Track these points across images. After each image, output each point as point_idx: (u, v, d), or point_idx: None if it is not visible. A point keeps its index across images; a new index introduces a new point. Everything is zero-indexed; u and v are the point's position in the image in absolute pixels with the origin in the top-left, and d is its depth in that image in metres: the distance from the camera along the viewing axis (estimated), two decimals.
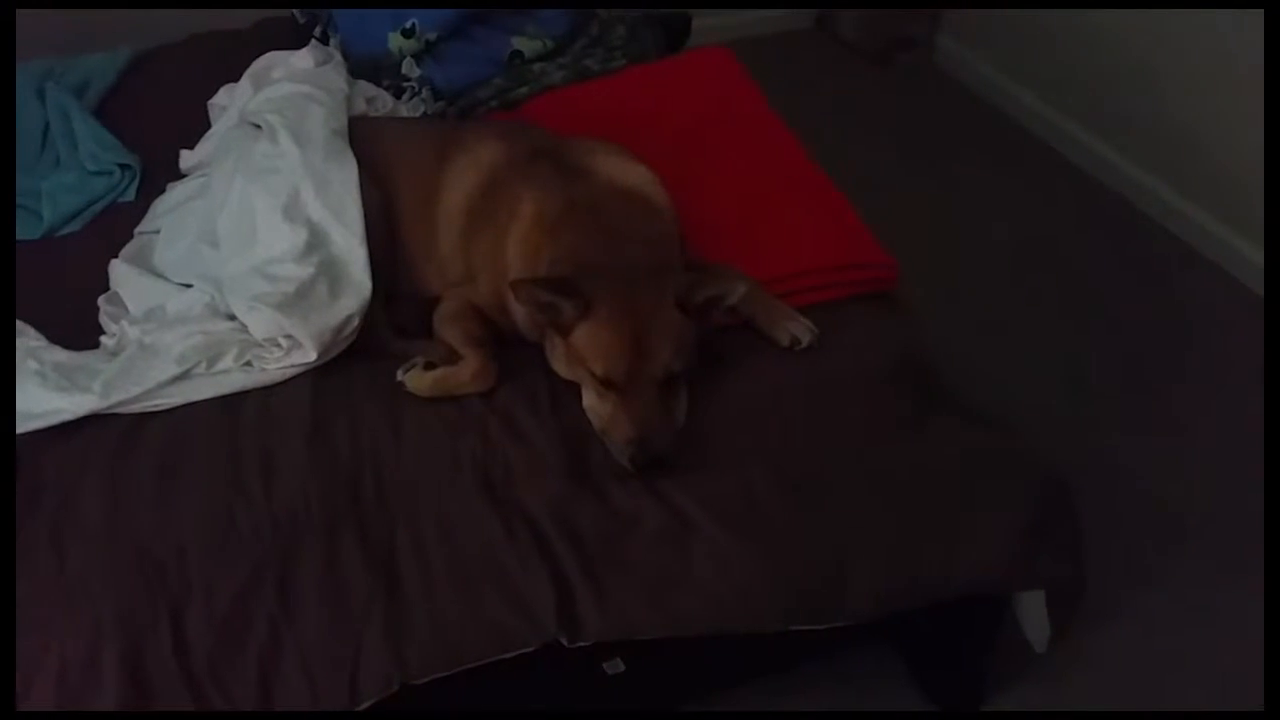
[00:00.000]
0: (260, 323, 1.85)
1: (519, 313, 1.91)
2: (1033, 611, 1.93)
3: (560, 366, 1.82)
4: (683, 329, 1.73)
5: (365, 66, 2.52)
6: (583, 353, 1.72)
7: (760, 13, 4.40)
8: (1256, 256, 3.03)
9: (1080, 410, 2.73)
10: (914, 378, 1.93)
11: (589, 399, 1.77)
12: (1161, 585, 2.32)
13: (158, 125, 2.52)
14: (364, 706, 1.56)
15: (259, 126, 2.14)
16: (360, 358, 1.91)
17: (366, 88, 2.42)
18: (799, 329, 1.90)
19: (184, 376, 1.83)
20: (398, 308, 2.03)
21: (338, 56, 2.42)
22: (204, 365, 1.84)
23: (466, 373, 1.84)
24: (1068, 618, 1.93)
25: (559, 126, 2.25)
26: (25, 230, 2.27)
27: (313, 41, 2.41)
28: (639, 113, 2.38)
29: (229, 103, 2.39)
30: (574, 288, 1.67)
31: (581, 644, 1.61)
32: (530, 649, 1.60)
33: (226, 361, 1.85)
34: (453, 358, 1.88)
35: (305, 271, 1.90)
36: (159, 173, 2.40)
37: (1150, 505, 2.48)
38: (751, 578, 1.67)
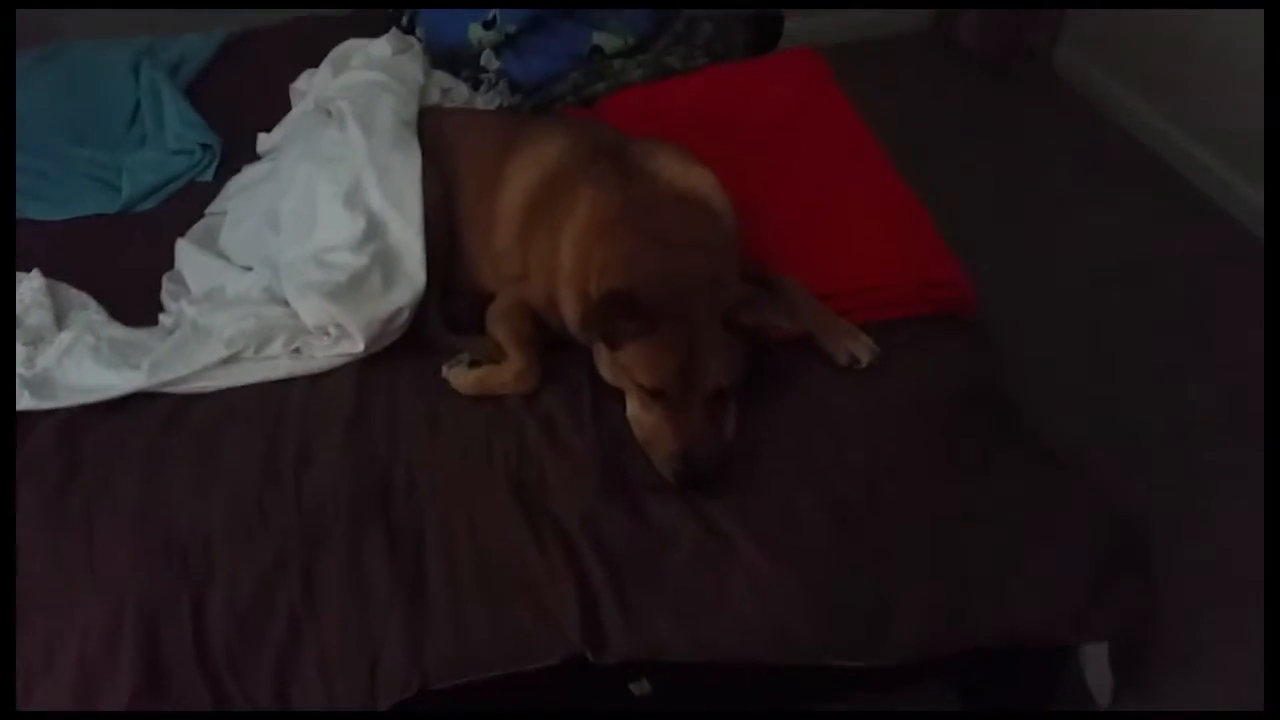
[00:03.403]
0: (310, 310, 1.84)
1: (569, 313, 1.85)
2: (1095, 661, 1.81)
3: (606, 372, 1.77)
4: (734, 345, 1.67)
5: (445, 57, 2.51)
6: (631, 365, 1.66)
7: (873, 13, 4.25)
8: None
9: (1178, 446, 2.55)
10: (982, 409, 1.80)
11: (633, 408, 1.71)
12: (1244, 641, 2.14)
13: (243, 107, 2.53)
14: (382, 709, 1.53)
15: (330, 113, 2.13)
16: (408, 350, 1.89)
17: (443, 78, 2.41)
18: (859, 347, 1.81)
19: (232, 360, 1.83)
20: (454, 302, 2.01)
21: (417, 46, 2.41)
22: (252, 349, 1.84)
23: (509, 373, 1.80)
24: (1135, 670, 1.79)
25: (632, 125, 2.19)
26: (102, 204, 2.32)
27: (394, 30, 2.39)
28: (714, 113, 2.31)
29: (308, 88, 2.39)
30: (636, 311, 1.60)
31: (607, 661, 1.55)
32: (553, 662, 1.55)
33: (275, 347, 1.85)
34: (500, 356, 1.84)
35: (359, 261, 1.88)
36: (238, 154, 2.42)
37: (1243, 551, 2.30)
38: (789, 607, 1.59)
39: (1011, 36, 4.04)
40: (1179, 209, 3.38)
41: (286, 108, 2.43)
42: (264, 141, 2.35)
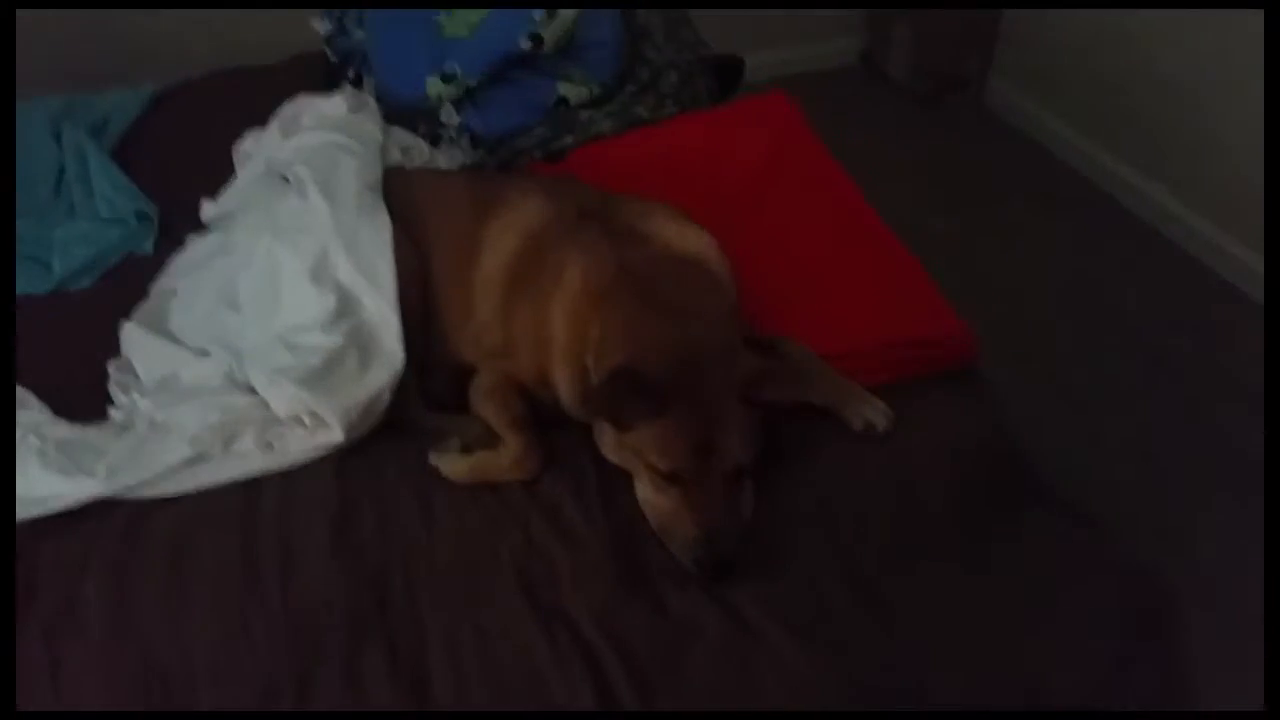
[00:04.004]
0: (282, 399, 1.70)
1: (564, 390, 1.74)
2: None
3: (611, 453, 1.66)
4: (752, 421, 1.58)
5: (401, 112, 2.37)
6: (643, 448, 1.56)
7: (805, 50, 4.24)
8: None
9: (1153, 485, 2.53)
10: (1001, 467, 1.76)
11: (645, 491, 1.60)
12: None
13: (179, 170, 2.37)
14: None
15: (287, 179, 1.98)
16: (390, 436, 1.76)
17: (402, 135, 2.27)
18: (874, 413, 1.73)
19: (198, 459, 1.68)
20: (431, 378, 1.88)
21: (372, 103, 2.27)
22: (219, 447, 1.69)
23: (507, 459, 1.68)
24: None
25: (606, 178, 2.10)
26: (33, 283, 2.11)
27: (346, 86, 2.25)
28: (691, 165, 2.22)
29: (255, 149, 2.23)
30: (646, 391, 1.51)
31: None
32: None
33: (245, 442, 1.70)
34: (491, 438, 1.72)
35: (333, 341, 1.75)
36: (179, 223, 2.24)
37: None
38: (822, 699, 1.49)
39: (941, 68, 4.04)
40: (1111, 233, 3.40)
41: (229, 170, 2.26)
42: (209, 209, 2.18)
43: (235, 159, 2.28)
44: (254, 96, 2.42)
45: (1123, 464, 2.61)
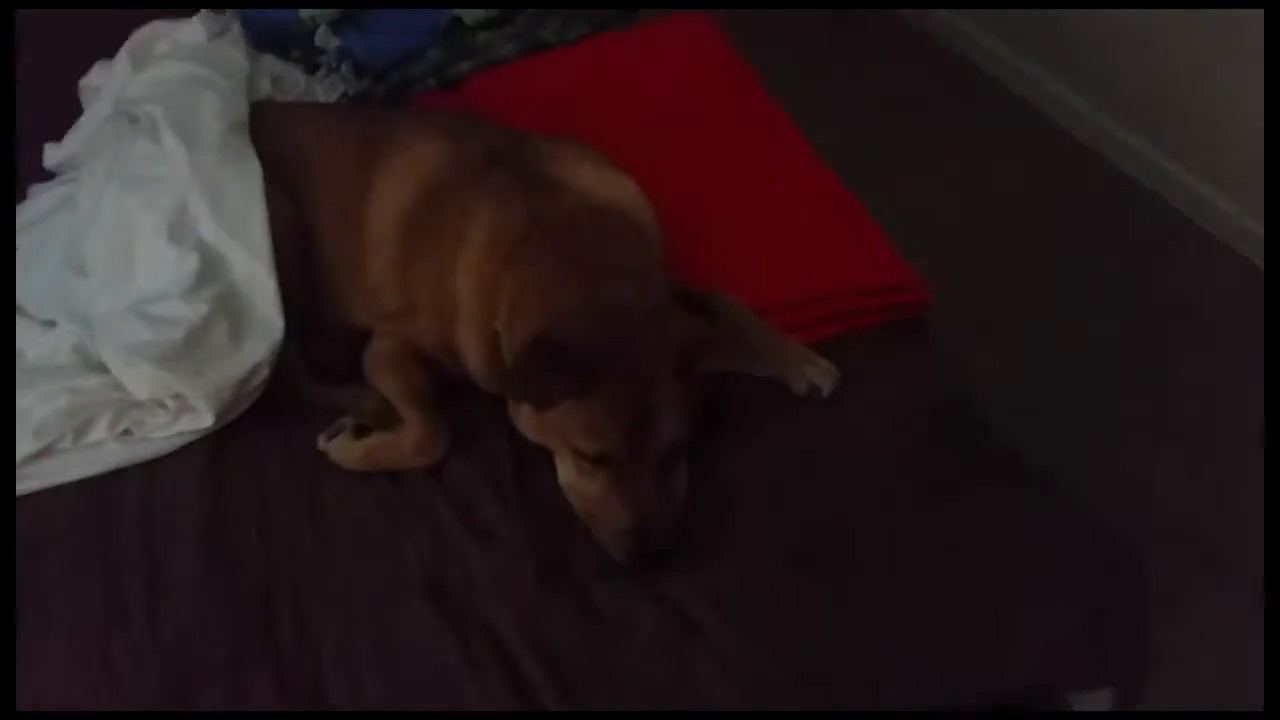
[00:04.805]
0: (139, 380, 1.47)
1: (472, 359, 1.55)
2: (1094, 703, 1.63)
3: (528, 431, 1.48)
4: (689, 396, 1.42)
5: (271, 38, 2.08)
6: (566, 429, 1.39)
7: None
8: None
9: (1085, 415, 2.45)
10: (954, 428, 1.62)
11: (567, 474, 1.43)
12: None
13: (18, 109, 2.04)
14: None
15: (137, 120, 1.71)
16: (271, 416, 1.55)
17: (272, 64, 1.99)
18: (818, 374, 1.58)
19: (45, 452, 1.46)
20: (319, 346, 1.66)
21: (236, 26, 1.98)
22: (70, 438, 1.47)
23: (409, 441, 1.49)
24: (1132, 705, 1.63)
25: (510, 110, 1.88)
26: None
27: (203, 11, 1.95)
28: (605, 95, 2.00)
29: (102, 83, 1.95)
30: (570, 365, 1.34)
31: None
32: None
33: (98, 430, 1.48)
34: (390, 416, 1.53)
35: (196, 311, 1.52)
36: (20, 173, 1.93)
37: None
38: (769, 686, 1.36)
39: None
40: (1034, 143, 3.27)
41: (77, 108, 1.97)
42: (53, 155, 1.90)
43: (81, 95, 1.98)
44: (101, 22, 2.10)
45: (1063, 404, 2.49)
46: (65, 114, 1.97)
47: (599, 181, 1.61)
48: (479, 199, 1.57)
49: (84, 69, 2.01)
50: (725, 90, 2.03)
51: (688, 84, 2.03)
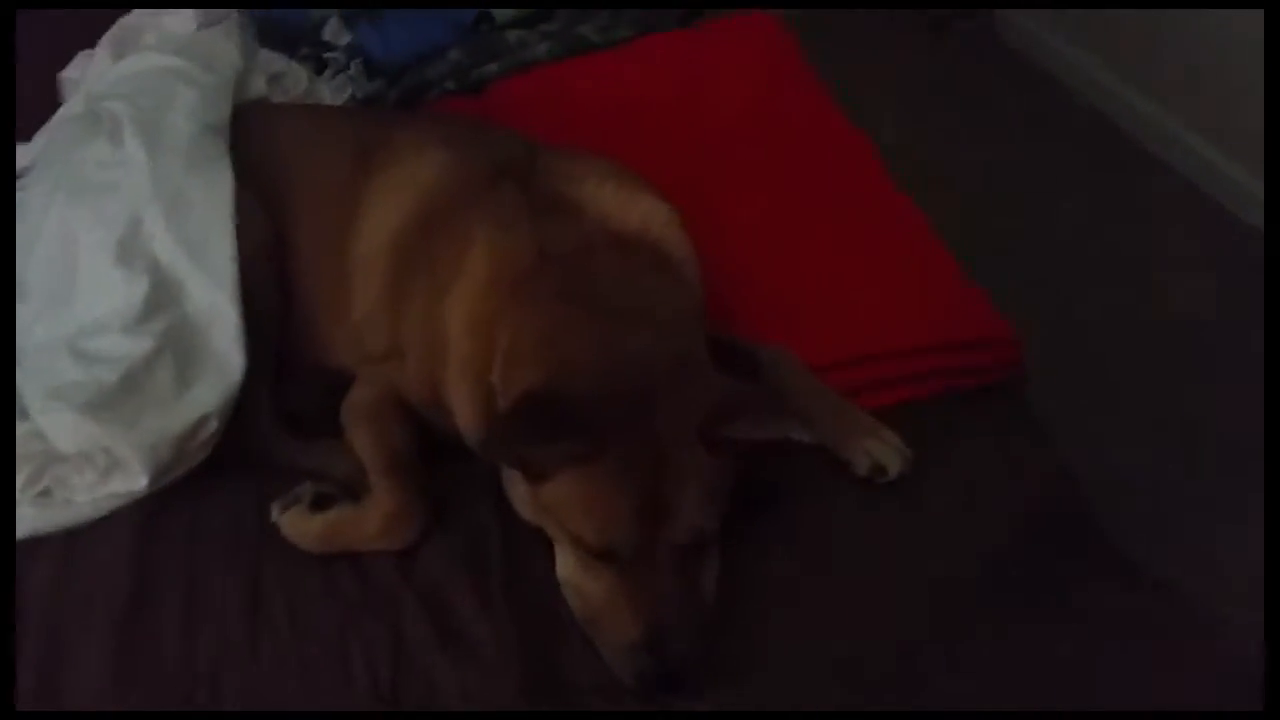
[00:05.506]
0: (62, 430, 1.26)
1: (461, 415, 1.30)
2: None
3: (522, 508, 1.23)
4: (720, 472, 1.16)
5: (278, 31, 1.86)
6: (564, 509, 1.15)
7: None
8: None
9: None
10: (1051, 516, 1.35)
11: (566, 568, 1.18)
12: None
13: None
14: None
15: (100, 118, 1.49)
16: (217, 476, 1.32)
17: (272, 60, 1.76)
18: (884, 450, 1.32)
19: None
20: (290, 390, 1.43)
21: (235, 17, 1.75)
22: None
23: (375, 518, 1.25)
24: None
25: (540, 121, 1.65)
26: None
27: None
28: (652, 106, 1.76)
29: (81, 77, 1.74)
30: (569, 427, 1.11)
31: None
32: None
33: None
34: (361, 484, 1.28)
35: (138, 346, 1.30)
36: None
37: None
38: None
39: None
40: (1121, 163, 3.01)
41: (55, 105, 1.75)
42: (24, 155, 1.68)
43: (60, 89, 1.77)
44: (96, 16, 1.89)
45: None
46: (47, 112, 1.76)
47: (624, 205, 1.35)
48: (481, 223, 1.34)
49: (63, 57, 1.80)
50: (794, 106, 1.78)
51: (750, 96, 1.77)
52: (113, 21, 1.80)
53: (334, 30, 1.89)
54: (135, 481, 1.24)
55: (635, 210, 1.36)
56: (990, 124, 3.15)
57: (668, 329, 1.22)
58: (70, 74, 1.77)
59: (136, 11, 1.75)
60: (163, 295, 1.34)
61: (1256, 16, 2.22)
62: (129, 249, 1.36)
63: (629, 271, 1.28)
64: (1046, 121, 3.19)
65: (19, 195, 1.56)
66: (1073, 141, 3.10)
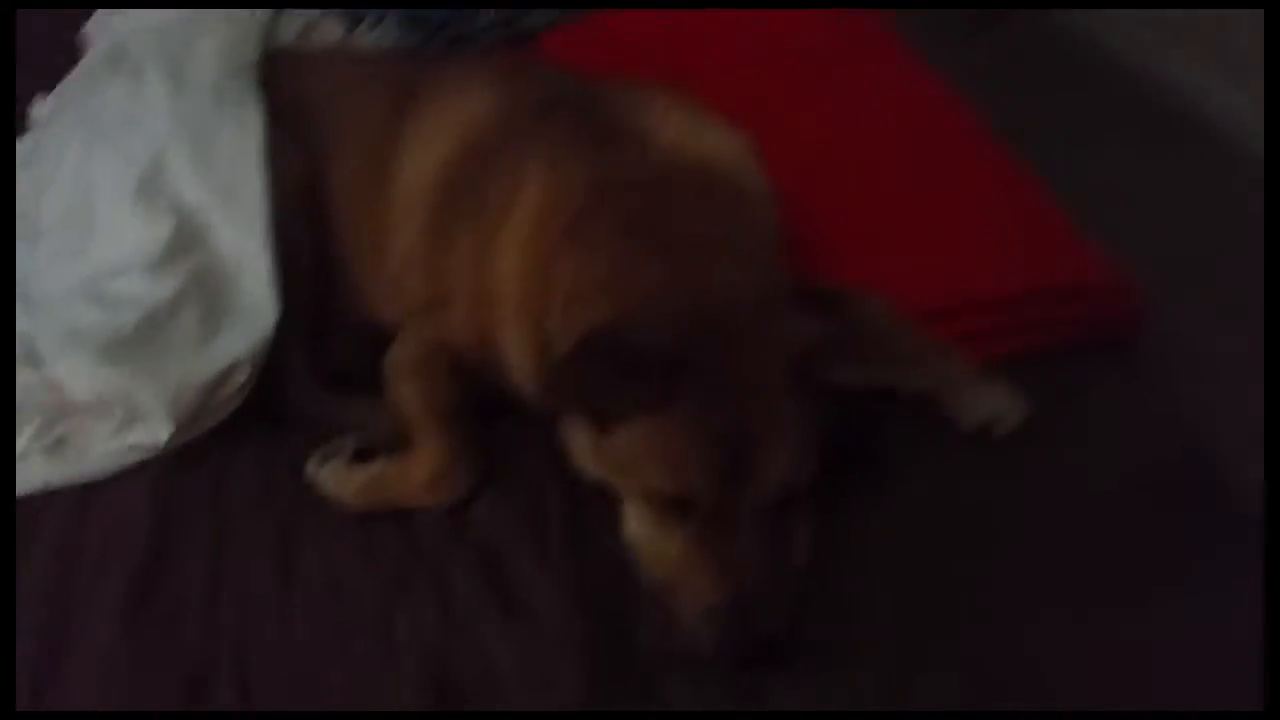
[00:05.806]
0: (78, 375, 1.17)
1: (516, 365, 1.19)
2: None
3: (586, 463, 1.10)
4: (807, 420, 1.03)
5: None
6: (635, 459, 1.03)
7: None
8: None
9: None
10: (1186, 479, 1.22)
11: (639, 527, 1.07)
12: None
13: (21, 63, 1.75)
14: None
15: (121, 59, 1.43)
16: (246, 430, 1.22)
17: (302, 11, 1.68)
18: (995, 401, 1.21)
19: None
20: (331, 344, 1.35)
21: None
22: None
23: (421, 473, 1.15)
24: None
25: (596, 64, 1.51)
26: None
27: None
28: (724, 47, 1.64)
29: (101, 32, 1.66)
30: (640, 368, 1.00)
31: None
32: None
33: (22, 439, 1.17)
34: (404, 438, 1.17)
35: (162, 288, 1.21)
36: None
37: None
38: None
39: None
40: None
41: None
42: (41, 109, 1.61)
43: (80, 45, 1.69)
44: None
45: None
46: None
47: (693, 135, 1.24)
48: (532, 154, 1.23)
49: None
50: (877, 50, 1.64)
51: (830, 41, 1.64)
52: None
53: None
54: (156, 433, 1.15)
55: (705, 140, 1.24)
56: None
57: (746, 265, 1.10)
58: (90, 29, 1.70)
59: None
60: (187, 237, 1.26)
61: None
62: (151, 188, 1.28)
63: (701, 204, 1.16)
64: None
65: (36, 139, 1.48)
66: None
